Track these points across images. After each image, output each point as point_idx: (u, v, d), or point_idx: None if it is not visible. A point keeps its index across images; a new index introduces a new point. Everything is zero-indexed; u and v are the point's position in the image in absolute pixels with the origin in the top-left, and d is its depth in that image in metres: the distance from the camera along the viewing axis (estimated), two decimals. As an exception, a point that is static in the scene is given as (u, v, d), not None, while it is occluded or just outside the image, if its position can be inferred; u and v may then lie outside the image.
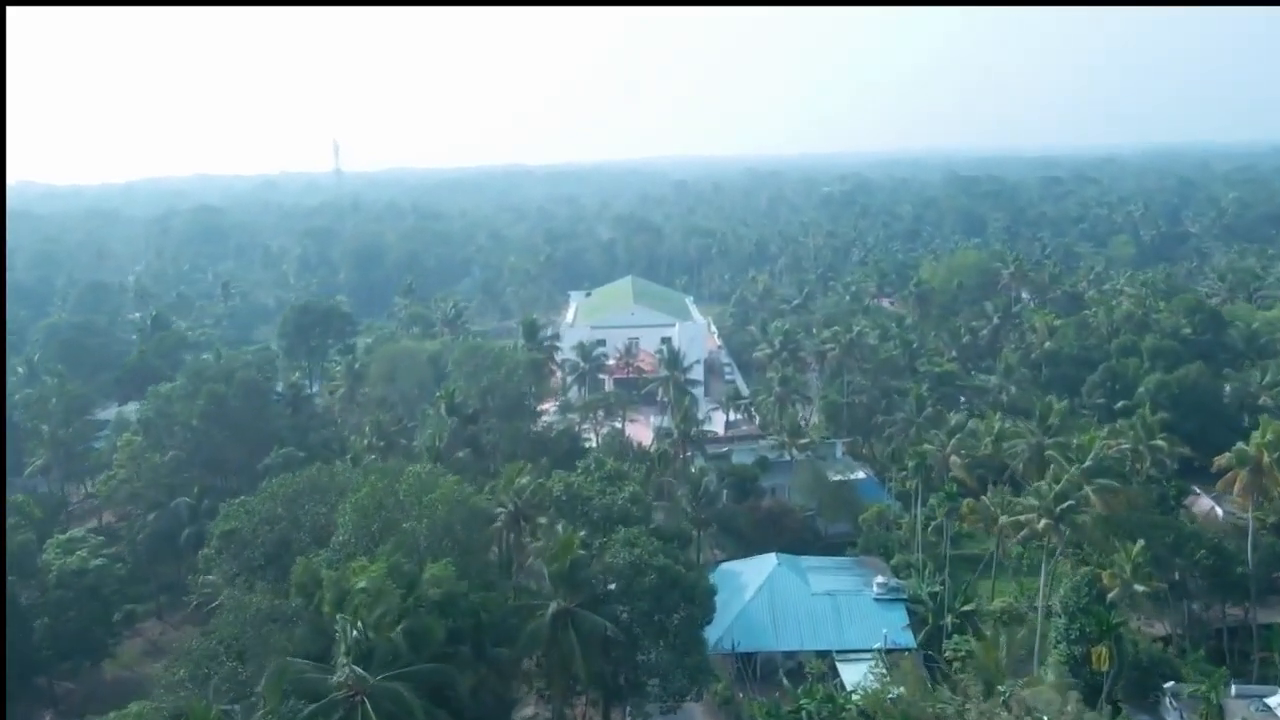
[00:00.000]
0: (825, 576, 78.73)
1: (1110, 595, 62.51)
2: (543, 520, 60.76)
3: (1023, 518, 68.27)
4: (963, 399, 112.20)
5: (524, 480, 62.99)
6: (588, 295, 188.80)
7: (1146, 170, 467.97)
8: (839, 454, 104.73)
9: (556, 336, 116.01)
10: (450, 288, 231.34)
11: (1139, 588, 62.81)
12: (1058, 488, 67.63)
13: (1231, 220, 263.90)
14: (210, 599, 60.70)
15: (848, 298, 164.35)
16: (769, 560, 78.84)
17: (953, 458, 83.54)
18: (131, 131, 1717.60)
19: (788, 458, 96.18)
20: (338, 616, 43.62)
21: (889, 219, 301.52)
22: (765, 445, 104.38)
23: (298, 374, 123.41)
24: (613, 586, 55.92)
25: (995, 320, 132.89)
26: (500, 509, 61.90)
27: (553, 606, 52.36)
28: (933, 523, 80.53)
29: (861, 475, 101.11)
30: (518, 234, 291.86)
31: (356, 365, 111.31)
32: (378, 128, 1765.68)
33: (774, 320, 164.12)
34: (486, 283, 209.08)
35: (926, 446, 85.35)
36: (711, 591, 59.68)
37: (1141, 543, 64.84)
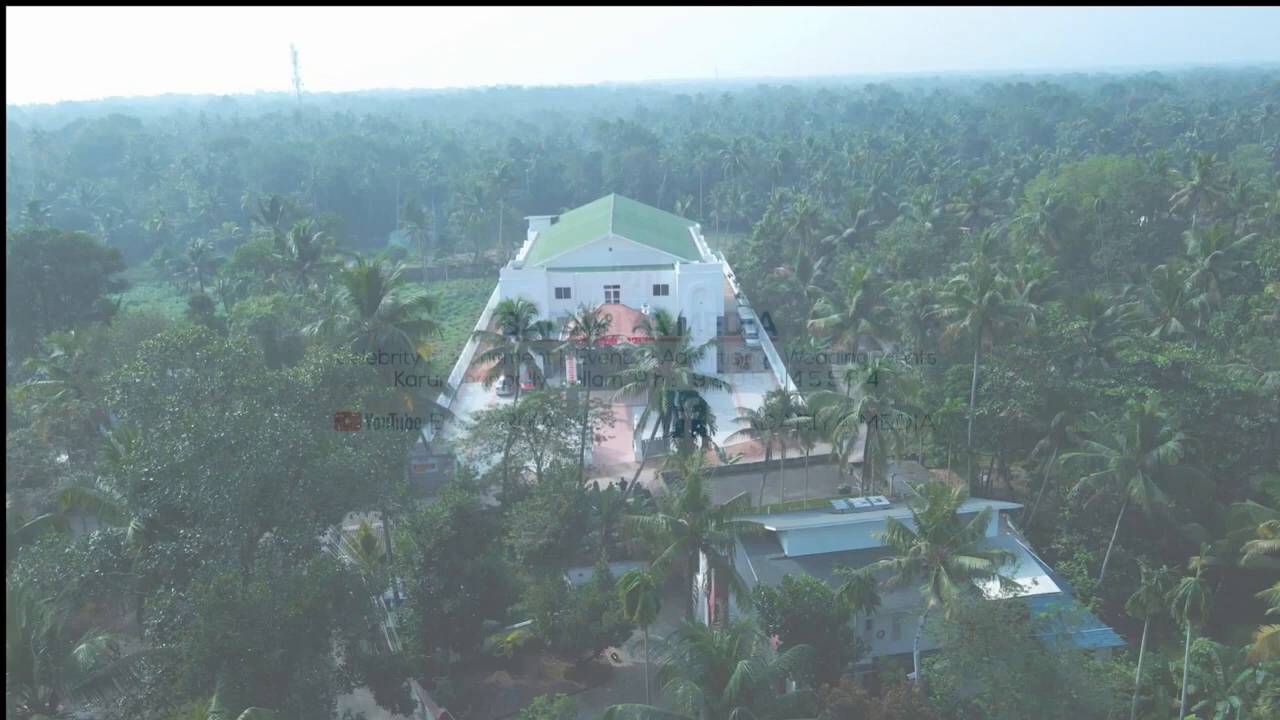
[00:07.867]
0: None
1: None
2: None
3: None
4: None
5: None
6: (553, 222, 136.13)
7: (1214, 81, 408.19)
8: (992, 531, 53.65)
9: (428, 304, 60.49)
10: (383, 214, 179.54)
11: None
12: None
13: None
14: None
15: (928, 224, 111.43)
16: None
17: None
18: (108, 52, 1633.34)
19: (895, 564, 45.02)
20: None
21: (938, 128, 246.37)
22: (849, 515, 53.93)
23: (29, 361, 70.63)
24: None
25: (1204, 263, 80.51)
26: None
27: None
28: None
29: (1053, 586, 50.30)
30: (485, 149, 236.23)
31: (78, 353, 59.66)
32: (362, 46, 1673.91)
33: (819, 258, 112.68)
34: (412, 207, 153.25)
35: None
36: None
37: None
